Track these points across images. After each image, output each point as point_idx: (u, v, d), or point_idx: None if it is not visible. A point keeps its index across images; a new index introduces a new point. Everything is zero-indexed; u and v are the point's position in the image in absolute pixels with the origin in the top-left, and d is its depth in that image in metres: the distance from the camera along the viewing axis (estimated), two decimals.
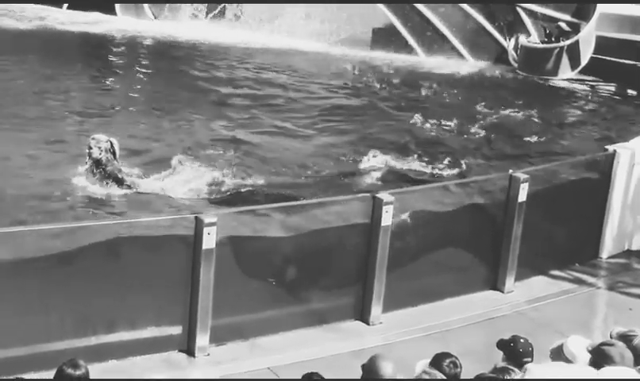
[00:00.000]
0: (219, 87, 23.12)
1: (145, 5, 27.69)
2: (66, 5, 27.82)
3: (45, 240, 10.99)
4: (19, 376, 7.87)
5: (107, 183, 16.33)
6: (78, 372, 7.46)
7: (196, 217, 10.87)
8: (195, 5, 28.16)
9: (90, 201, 15.97)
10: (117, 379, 7.26)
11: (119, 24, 27.24)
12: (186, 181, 16.92)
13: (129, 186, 16.52)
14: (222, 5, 28.43)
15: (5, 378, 7.81)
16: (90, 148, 16.24)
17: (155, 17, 27.84)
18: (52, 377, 7.55)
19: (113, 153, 16.34)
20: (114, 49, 25.99)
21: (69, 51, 25.27)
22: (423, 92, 25.02)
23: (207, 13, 28.13)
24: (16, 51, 24.24)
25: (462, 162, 18.94)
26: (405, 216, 12.53)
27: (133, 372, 10.62)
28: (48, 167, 17.15)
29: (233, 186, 16.85)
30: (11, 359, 10.18)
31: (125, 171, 16.64)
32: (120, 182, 16.42)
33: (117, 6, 27.45)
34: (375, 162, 18.49)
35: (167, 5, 28.12)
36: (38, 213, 14.76)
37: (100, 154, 16.18)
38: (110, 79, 23.48)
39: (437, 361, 7.58)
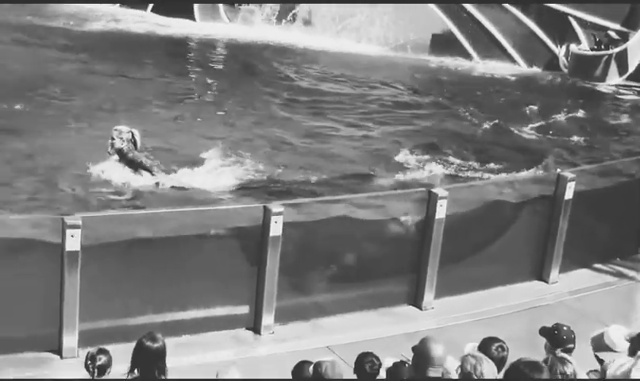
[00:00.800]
0: (284, 87, 23.09)
1: (221, 10, 27.85)
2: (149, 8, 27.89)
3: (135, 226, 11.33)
4: (101, 347, 8.06)
5: (134, 171, 16.47)
6: (156, 345, 7.66)
7: (264, 207, 10.98)
8: (268, 9, 28.25)
9: (121, 191, 16.17)
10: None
11: (198, 27, 27.40)
12: (219, 174, 16.92)
13: (153, 173, 16.55)
14: (293, 11, 28.51)
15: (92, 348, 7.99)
16: (113, 138, 16.34)
17: (229, 21, 28.01)
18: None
19: (134, 143, 16.41)
20: (192, 50, 26.15)
21: (153, 51, 25.45)
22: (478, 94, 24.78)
23: (279, 18, 28.21)
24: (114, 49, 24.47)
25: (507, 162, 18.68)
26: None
27: (204, 346, 10.79)
28: None
29: (277, 179, 16.91)
30: (101, 330, 10.52)
31: (150, 161, 16.69)
32: (145, 168, 16.51)
33: (196, 12, 27.59)
34: (428, 161, 18.41)
35: (242, 10, 28.25)
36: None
37: (122, 144, 16.27)
38: (189, 76, 23.57)
39: (485, 345, 7.61)
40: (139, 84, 21.87)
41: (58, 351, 10.49)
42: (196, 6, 27.64)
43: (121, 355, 8.43)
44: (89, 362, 7.92)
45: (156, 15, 27.81)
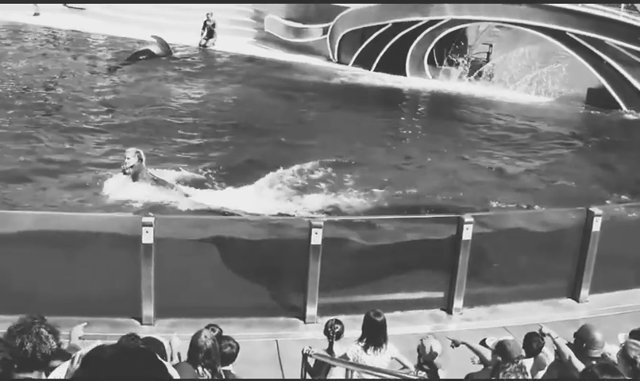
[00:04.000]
0: (476, 130, 22.70)
1: (426, 68, 27.91)
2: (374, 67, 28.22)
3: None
4: (337, 317, 8.24)
5: (144, 184, 14.77)
6: (379, 319, 7.83)
7: (458, 218, 10.93)
8: (461, 68, 28.09)
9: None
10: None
11: (409, 82, 27.53)
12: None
13: (166, 184, 14.99)
14: (480, 68, 28.24)
15: (330, 318, 8.20)
16: (127, 158, 14.70)
17: (432, 77, 27.99)
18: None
19: (141, 160, 14.73)
20: (403, 99, 26.25)
21: (375, 99, 25.74)
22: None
23: (470, 73, 28.00)
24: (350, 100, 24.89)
25: None
26: None
27: (409, 320, 10.86)
28: None
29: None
30: (335, 303, 10.67)
31: (157, 176, 15.17)
32: (156, 181, 14.95)
33: (407, 69, 27.75)
34: None
35: (442, 68, 28.22)
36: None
37: (132, 162, 14.61)
38: (398, 122, 23.62)
39: (636, 335, 7.28)
40: (364, 125, 21.99)
41: (302, 317, 10.72)
42: (407, 65, 27.70)
43: (350, 324, 8.64)
44: (329, 329, 8.11)
45: (376, 72, 28.05)
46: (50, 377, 4.08)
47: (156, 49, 28.36)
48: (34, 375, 4.19)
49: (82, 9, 34.13)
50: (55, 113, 20.67)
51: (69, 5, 34.49)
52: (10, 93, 22.22)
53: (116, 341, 5.07)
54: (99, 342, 3.31)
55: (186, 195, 14.94)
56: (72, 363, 3.11)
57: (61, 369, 3.93)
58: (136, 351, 2.40)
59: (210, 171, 16.53)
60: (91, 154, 17.36)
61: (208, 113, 21.84)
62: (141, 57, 27.80)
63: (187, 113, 21.56)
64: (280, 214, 14.41)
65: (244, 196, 15.21)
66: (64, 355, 4.39)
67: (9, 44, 29.47)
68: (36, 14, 33.57)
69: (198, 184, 15.67)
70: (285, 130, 20.41)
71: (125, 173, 14.73)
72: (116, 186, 14.92)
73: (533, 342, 7.94)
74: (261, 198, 15.24)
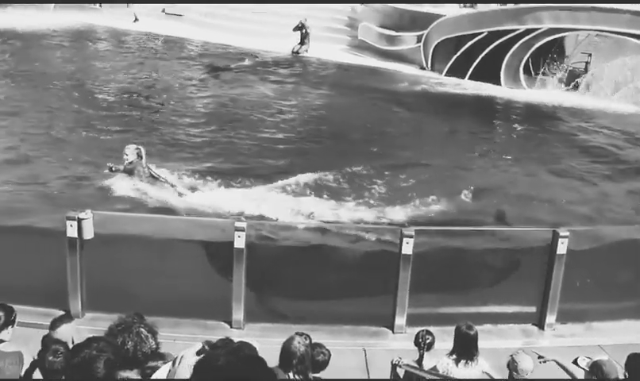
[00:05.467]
0: (572, 141, 22.17)
1: (521, 78, 27.45)
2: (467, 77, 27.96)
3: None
4: (428, 328, 8.18)
5: (141, 180, 14.92)
6: (471, 332, 7.72)
7: (554, 231, 10.71)
8: (557, 79, 27.52)
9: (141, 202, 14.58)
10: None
11: (503, 91, 27.14)
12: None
13: (165, 182, 15.13)
14: (578, 78, 27.59)
15: (420, 329, 8.15)
16: (125, 155, 14.99)
17: (527, 87, 27.51)
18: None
19: (140, 157, 15.01)
20: (498, 109, 25.86)
21: (468, 108, 25.46)
22: None
23: (567, 84, 27.40)
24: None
25: None
26: None
27: (501, 334, 10.68)
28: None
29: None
30: (424, 314, 10.57)
31: (157, 174, 15.19)
32: (154, 178, 15.05)
33: (502, 79, 27.37)
34: None
35: (537, 79, 27.71)
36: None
37: (132, 158, 14.92)
38: (491, 132, 23.30)
39: None
40: (456, 135, 21.81)
41: (390, 326, 10.66)
42: (502, 74, 27.31)
43: (439, 335, 8.55)
44: (420, 340, 8.04)
45: (470, 81, 27.75)
46: (153, 377, 4.18)
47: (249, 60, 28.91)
48: (134, 373, 4.31)
49: (179, 15, 35.00)
50: (151, 117, 21.29)
51: (167, 12, 35.45)
52: (109, 97, 23.00)
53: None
54: (199, 345, 3.38)
55: (180, 194, 15.08)
56: (174, 365, 3.19)
57: (163, 370, 4.02)
58: (248, 357, 2.43)
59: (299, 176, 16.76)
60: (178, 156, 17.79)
61: (299, 119, 22.03)
62: (234, 66, 28.36)
63: (279, 119, 21.80)
64: (365, 222, 14.43)
65: (323, 204, 15.28)
66: (161, 355, 4.50)
67: (109, 50, 30.53)
68: (135, 20, 34.61)
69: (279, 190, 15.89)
70: (376, 139, 20.40)
71: (123, 169, 15.07)
72: (114, 182, 15.14)
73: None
74: (343, 207, 15.27)
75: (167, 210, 14.18)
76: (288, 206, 15.03)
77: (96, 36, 32.84)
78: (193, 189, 15.55)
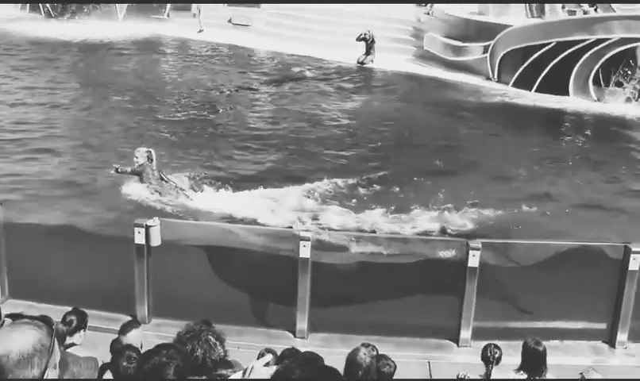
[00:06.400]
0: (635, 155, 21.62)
1: (590, 89, 26.92)
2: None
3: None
4: (496, 343, 8.06)
5: (150, 183, 15.31)
6: (539, 348, 7.57)
7: (625, 246, 10.43)
8: (629, 91, 26.90)
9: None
10: None
11: (571, 103, 26.64)
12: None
13: (174, 185, 15.50)
14: None
15: (487, 343, 8.01)
16: (135, 158, 15.51)
17: (597, 98, 26.97)
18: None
19: (151, 160, 15.49)
20: (565, 120, 25.39)
21: (535, 120, 25.11)
22: None
23: (639, 96, 26.80)
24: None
25: None
26: None
27: (568, 351, 10.46)
28: None
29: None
30: (489, 328, 10.41)
31: (167, 178, 15.61)
32: (164, 181, 15.47)
33: (571, 90, 26.90)
34: None
35: (607, 90, 27.12)
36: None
37: (142, 160, 15.40)
38: (559, 145, 22.83)
39: None
40: (522, 147, 21.47)
41: (455, 339, 10.55)
42: (571, 85, 26.85)
43: (504, 349, 8.39)
44: (489, 354, 7.92)
45: (537, 92, 27.33)
46: None
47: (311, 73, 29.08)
48: None
49: (246, 26, 35.40)
50: (215, 125, 21.60)
51: (234, 22, 35.89)
52: (176, 104, 23.42)
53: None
54: (268, 357, 3.38)
55: (188, 197, 15.37)
56: (244, 375, 3.18)
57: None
58: (324, 369, 2.40)
59: (362, 186, 16.75)
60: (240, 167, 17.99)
61: (364, 130, 22.01)
62: (298, 75, 28.55)
63: (343, 130, 21.83)
64: (426, 233, 14.36)
65: (387, 216, 15.24)
66: (229, 363, 4.52)
67: (176, 59, 31.07)
68: (200, 31, 35.13)
69: (344, 198, 15.91)
70: (441, 149, 20.28)
71: (130, 171, 15.48)
72: (125, 185, 15.58)
73: None
74: (408, 219, 15.20)
75: (177, 213, 14.50)
76: (353, 217, 15.05)
77: (163, 46, 33.44)
78: (201, 192, 15.81)
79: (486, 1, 30.01)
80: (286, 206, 15.42)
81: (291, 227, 14.19)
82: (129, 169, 15.51)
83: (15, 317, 3.13)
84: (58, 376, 3.07)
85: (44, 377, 2.97)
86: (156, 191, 15.27)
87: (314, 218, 14.99)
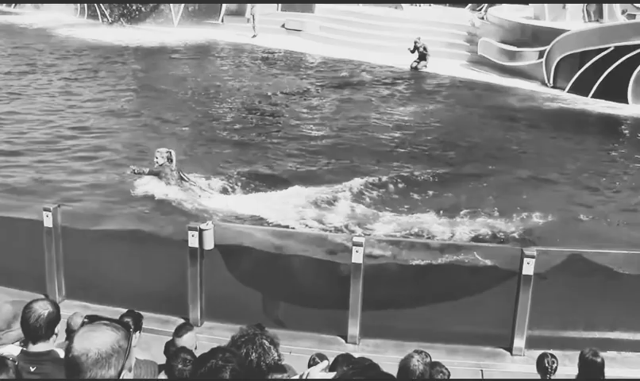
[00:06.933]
0: None
1: None
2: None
3: None
4: (553, 353, 7.93)
5: (169, 183, 15.71)
6: (598, 360, 7.44)
7: None
8: None
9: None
10: None
11: (631, 109, 26.12)
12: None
13: (194, 185, 15.87)
14: None
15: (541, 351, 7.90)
16: (155, 158, 15.92)
17: None
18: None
19: (170, 160, 15.84)
20: (624, 129, 24.87)
21: (594, 129, 24.65)
22: None
23: None
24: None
25: None
26: None
27: (626, 362, 10.23)
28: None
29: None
30: (544, 337, 10.27)
31: (187, 177, 16.00)
32: (183, 179, 15.86)
33: (629, 96, 26.37)
34: None
35: None
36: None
37: (161, 161, 15.81)
38: (616, 153, 22.35)
39: None
40: (578, 154, 21.13)
41: (509, 348, 10.38)
42: (629, 91, 26.33)
43: (559, 359, 8.26)
44: (546, 364, 7.81)
45: (594, 98, 26.87)
46: None
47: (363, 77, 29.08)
48: None
49: (298, 31, 35.58)
50: (268, 129, 21.75)
51: (287, 27, 36.12)
52: (229, 110, 23.66)
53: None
54: (324, 364, 3.37)
55: (207, 197, 15.71)
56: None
57: None
58: (384, 376, 2.39)
59: (413, 190, 16.71)
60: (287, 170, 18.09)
61: (417, 135, 21.92)
62: (350, 80, 28.58)
63: (397, 135, 21.77)
64: (478, 239, 14.23)
65: (440, 220, 15.16)
66: (283, 368, 4.53)
67: (230, 64, 31.40)
68: (254, 36, 35.44)
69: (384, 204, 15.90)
70: (495, 155, 20.09)
71: (148, 172, 15.88)
72: (142, 183, 15.97)
73: None
74: (458, 223, 15.10)
75: (197, 212, 14.77)
76: (404, 221, 15.01)
77: (217, 51, 33.81)
78: (245, 193, 16.11)
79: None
80: (336, 211, 15.45)
81: (344, 232, 14.23)
82: (146, 170, 15.95)
83: (93, 318, 3.22)
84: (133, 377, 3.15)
85: (120, 378, 3.04)
86: (177, 191, 15.63)
87: (364, 223, 15.00)
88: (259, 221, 14.81)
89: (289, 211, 15.28)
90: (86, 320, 3.20)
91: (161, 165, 15.79)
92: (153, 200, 15.50)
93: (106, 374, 3.03)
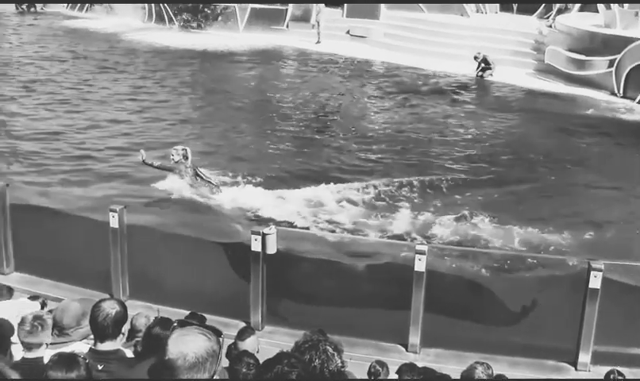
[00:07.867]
0: None
1: None
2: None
3: None
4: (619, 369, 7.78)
5: (183, 179, 16.02)
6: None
7: None
8: None
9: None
10: None
11: None
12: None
13: (211, 183, 16.16)
14: None
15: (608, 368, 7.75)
16: (172, 155, 16.18)
17: None
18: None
19: (186, 157, 16.11)
20: None
21: None
22: None
23: None
24: None
25: None
26: None
27: None
28: None
29: None
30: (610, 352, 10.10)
31: (204, 175, 16.30)
32: (199, 176, 16.14)
33: None
34: None
35: None
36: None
37: (177, 158, 16.07)
38: None
39: None
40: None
41: (573, 363, 10.21)
42: None
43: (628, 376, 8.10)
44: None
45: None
46: None
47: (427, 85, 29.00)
48: None
49: (363, 37, 35.61)
50: (328, 134, 21.87)
51: (351, 33, 36.19)
52: (292, 116, 23.83)
53: None
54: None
55: (221, 192, 16.13)
56: None
57: None
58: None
59: (471, 199, 16.59)
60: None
61: (482, 143, 21.71)
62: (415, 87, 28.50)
63: (463, 143, 21.61)
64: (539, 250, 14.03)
65: (499, 229, 15.01)
66: (345, 375, 4.53)
67: (295, 70, 31.64)
68: (318, 42, 35.60)
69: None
70: (561, 166, 19.79)
71: (158, 166, 16.25)
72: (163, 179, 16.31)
73: None
74: (510, 232, 14.93)
75: (210, 208, 15.16)
76: (461, 229, 14.89)
77: (282, 57, 34.06)
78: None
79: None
80: (395, 217, 15.40)
81: (405, 239, 14.17)
82: (156, 162, 16.26)
83: (184, 323, 3.33)
84: None
85: None
86: (191, 187, 16.04)
87: (424, 230, 14.91)
88: (314, 224, 14.88)
89: (343, 216, 15.31)
90: (175, 324, 3.31)
91: (176, 162, 16.14)
92: (170, 198, 15.91)
93: (201, 377, 3.12)
